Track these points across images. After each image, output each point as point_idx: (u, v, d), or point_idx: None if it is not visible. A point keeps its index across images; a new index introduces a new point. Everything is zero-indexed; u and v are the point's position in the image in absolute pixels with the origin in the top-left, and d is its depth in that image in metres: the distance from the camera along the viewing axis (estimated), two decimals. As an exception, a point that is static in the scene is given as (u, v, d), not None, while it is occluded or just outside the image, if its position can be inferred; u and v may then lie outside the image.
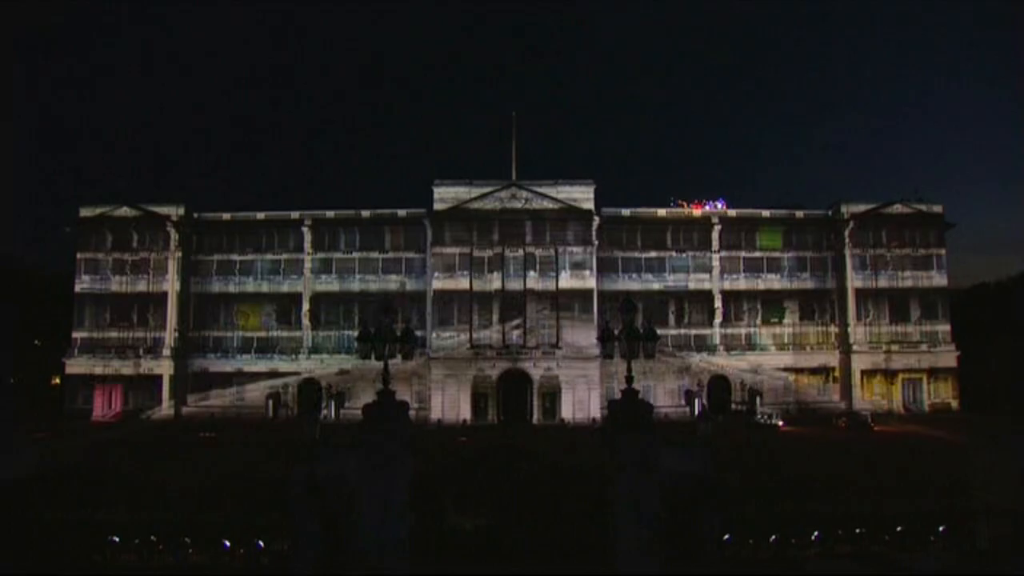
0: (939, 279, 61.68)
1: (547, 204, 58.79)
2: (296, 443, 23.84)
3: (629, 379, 14.71)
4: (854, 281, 61.17)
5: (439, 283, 58.09)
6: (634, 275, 61.12)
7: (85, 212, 61.58)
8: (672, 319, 61.09)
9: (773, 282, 62.41)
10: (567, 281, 57.94)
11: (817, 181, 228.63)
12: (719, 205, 63.19)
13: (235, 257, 62.56)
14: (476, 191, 59.05)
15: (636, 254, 61.66)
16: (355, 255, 61.97)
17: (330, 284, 61.69)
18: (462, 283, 57.62)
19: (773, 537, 17.69)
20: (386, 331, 14.53)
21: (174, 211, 61.48)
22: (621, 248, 61.53)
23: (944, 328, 61.04)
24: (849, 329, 60.81)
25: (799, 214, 64.00)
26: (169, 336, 60.40)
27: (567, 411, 56.20)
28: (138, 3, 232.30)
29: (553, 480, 24.71)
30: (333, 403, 58.79)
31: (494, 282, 57.90)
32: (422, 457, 16.08)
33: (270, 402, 60.03)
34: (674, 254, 62.00)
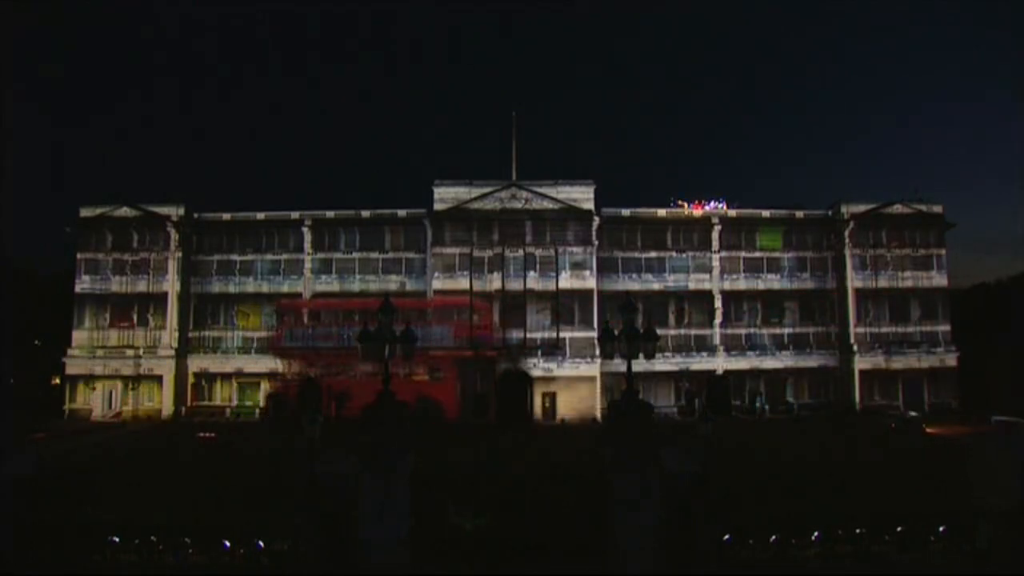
0: (939, 279, 61.69)
1: (547, 204, 58.82)
2: (296, 443, 23.84)
3: (629, 379, 14.74)
4: (854, 281, 61.18)
5: (439, 283, 58.12)
6: (634, 275, 61.12)
7: (85, 212, 61.61)
8: (672, 319, 61.13)
9: (773, 282, 62.42)
10: (567, 281, 57.97)
11: (817, 181, 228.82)
12: (719, 205, 63.20)
13: (235, 257, 62.57)
14: (476, 191, 59.07)
15: (636, 254, 61.65)
16: (355, 255, 61.97)
17: (330, 284, 61.69)
18: (462, 283, 57.63)
19: (773, 537, 17.70)
20: (386, 331, 14.54)
21: (174, 211, 61.49)
22: (621, 248, 61.52)
23: (944, 328, 61.06)
24: (849, 329, 60.84)
25: (799, 214, 63.98)
26: (169, 336, 60.42)
27: (567, 411, 56.23)
28: (138, 2, 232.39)
29: (553, 480, 24.74)
30: (333, 403, 58.85)
31: (494, 282, 57.92)
32: (422, 457, 16.08)
33: (270, 402, 60.06)
34: (674, 254, 62.00)
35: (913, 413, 54.33)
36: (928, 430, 45.30)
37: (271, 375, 60.65)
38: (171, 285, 60.82)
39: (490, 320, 55.55)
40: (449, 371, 51.87)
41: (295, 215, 62.74)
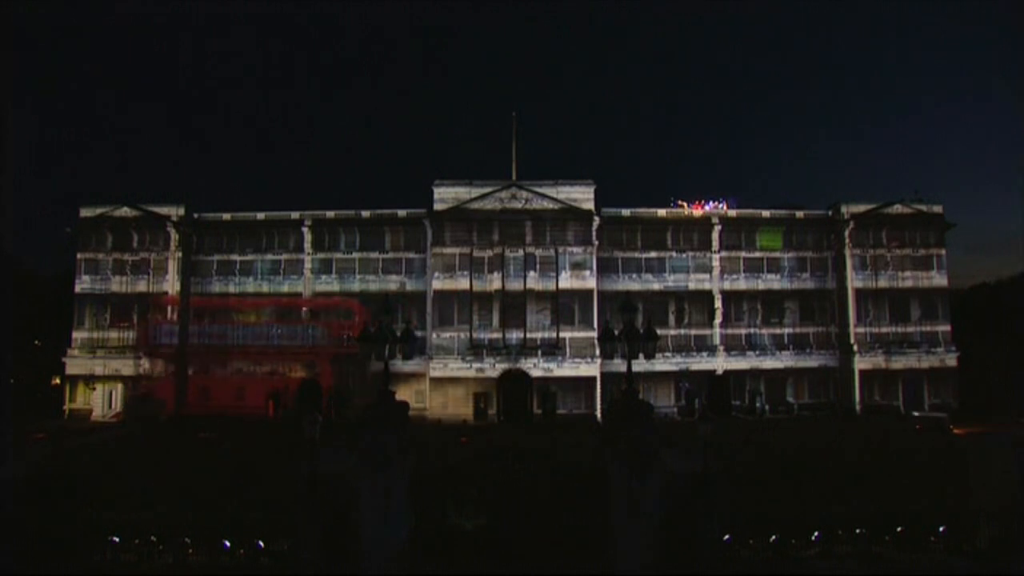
0: (939, 279, 61.63)
1: (547, 204, 58.81)
2: (296, 443, 23.84)
3: (629, 379, 14.75)
4: (854, 281, 61.14)
5: (439, 283, 58.12)
6: (634, 275, 61.12)
7: (85, 212, 61.61)
8: (672, 319, 61.11)
9: (773, 282, 62.40)
10: (567, 281, 57.95)
11: (817, 181, 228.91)
12: (719, 205, 63.18)
13: (235, 257, 62.57)
14: (476, 191, 59.05)
15: (636, 254, 61.64)
16: (355, 255, 61.98)
17: (330, 284, 61.68)
18: (462, 283, 57.64)
19: (773, 537, 17.71)
20: (386, 331, 14.57)
21: (174, 211, 61.50)
22: (621, 248, 61.52)
23: (944, 328, 61.00)
24: (849, 329, 60.81)
25: (799, 214, 63.96)
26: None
27: (567, 411, 56.20)
28: (139, 2, 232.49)
29: (553, 480, 24.73)
30: (333, 403, 58.87)
31: (494, 282, 57.92)
32: (422, 457, 16.09)
33: (270, 402, 60.03)
34: (674, 254, 61.97)
35: (915, 413, 54.35)
36: (955, 431, 44.99)
37: (270, 375, 60.75)
38: (171, 285, 60.83)
39: (360, 319, 56.03)
40: (324, 366, 56.05)
41: (295, 215, 62.73)
